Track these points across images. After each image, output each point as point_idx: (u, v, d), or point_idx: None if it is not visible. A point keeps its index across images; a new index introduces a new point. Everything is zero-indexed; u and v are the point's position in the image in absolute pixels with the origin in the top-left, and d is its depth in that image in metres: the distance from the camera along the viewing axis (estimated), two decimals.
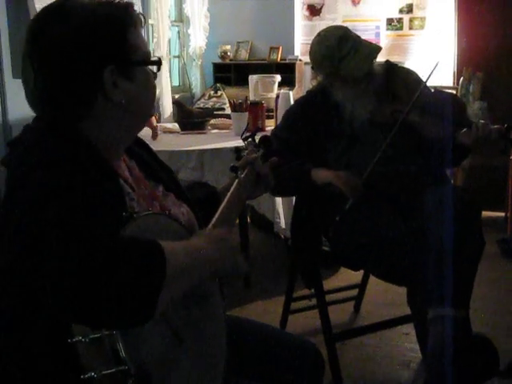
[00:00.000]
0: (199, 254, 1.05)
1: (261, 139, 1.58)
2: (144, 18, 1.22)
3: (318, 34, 2.32)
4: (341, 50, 2.23)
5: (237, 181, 1.41)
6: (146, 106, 1.23)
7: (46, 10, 1.14)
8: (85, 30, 1.10)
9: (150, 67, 1.21)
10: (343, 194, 2.13)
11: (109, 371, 0.89)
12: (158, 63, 1.22)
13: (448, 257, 1.92)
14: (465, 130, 2.12)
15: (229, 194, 1.37)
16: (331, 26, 2.40)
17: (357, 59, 2.23)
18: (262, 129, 3.23)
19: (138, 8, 4.67)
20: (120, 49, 1.14)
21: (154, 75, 1.22)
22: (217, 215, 1.30)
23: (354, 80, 2.26)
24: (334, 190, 2.15)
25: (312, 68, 2.40)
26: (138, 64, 1.17)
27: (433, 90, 2.38)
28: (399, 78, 2.33)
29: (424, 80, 2.23)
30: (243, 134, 1.60)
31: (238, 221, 3.15)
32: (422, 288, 1.98)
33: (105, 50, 1.12)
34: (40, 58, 1.11)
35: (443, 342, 1.89)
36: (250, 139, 1.56)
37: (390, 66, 2.35)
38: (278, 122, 2.77)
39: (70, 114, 1.12)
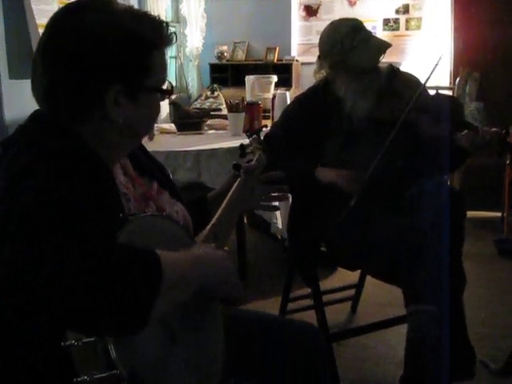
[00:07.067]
0: (198, 267, 1.03)
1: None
2: (176, 37, 1.16)
3: (331, 23, 2.31)
4: (353, 39, 2.22)
5: (239, 180, 1.40)
6: (144, 128, 1.20)
7: (71, 5, 1.10)
8: (104, 40, 1.05)
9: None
10: (347, 192, 2.12)
11: (101, 375, 0.88)
12: (169, 92, 1.17)
13: (432, 255, 1.96)
14: (465, 132, 2.12)
15: (230, 192, 1.37)
16: (344, 17, 2.40)
17: (367, 50, 2.23)
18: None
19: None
20: (134, 71, 1.09)
21: (162, 99, 1.18)
22: (218, 214, 1.29)
23: (360, 72, 2.25)
24: (339, 189, 2.15)
25: (318, 58, 2.36)
26: (148, 90, 1.12)
27: (433, 92, 2.39)
28: (401, 80, 2.32)
29: (427, 76, 2.21)
30: (248, 131, 1.60)
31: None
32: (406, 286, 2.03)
33: (117, 68, 1.07)
34: (51, 51, 1.07)
35: (419, 337, 1.93)
36: (254, 136, 1.55)
37: (392, 68, 2.36)
38: (275, 121, 2.76)
39: (66, 114, 1.09)
